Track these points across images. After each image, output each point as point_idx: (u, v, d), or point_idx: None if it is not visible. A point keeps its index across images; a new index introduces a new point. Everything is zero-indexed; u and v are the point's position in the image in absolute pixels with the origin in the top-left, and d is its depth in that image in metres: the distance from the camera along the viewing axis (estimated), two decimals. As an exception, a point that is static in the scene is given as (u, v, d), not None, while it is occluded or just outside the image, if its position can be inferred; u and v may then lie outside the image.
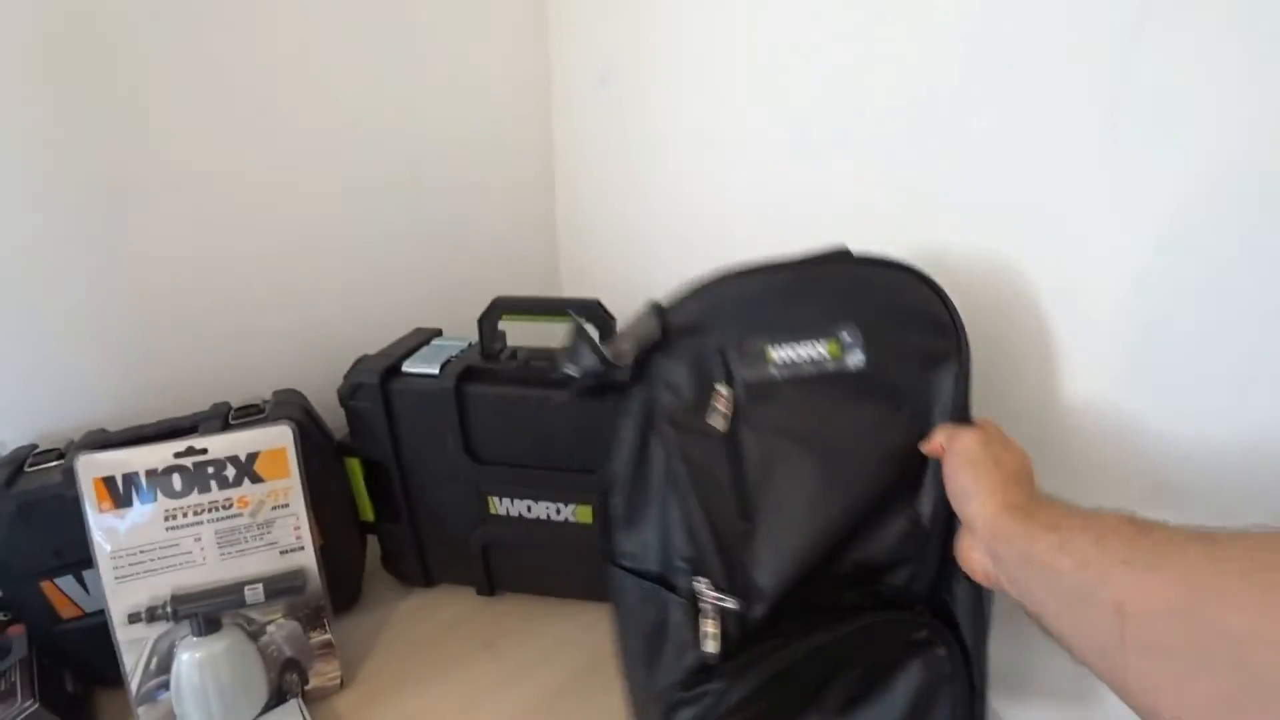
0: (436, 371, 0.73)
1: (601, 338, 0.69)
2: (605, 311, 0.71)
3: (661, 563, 0.54)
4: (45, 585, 0.68)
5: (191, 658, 0.64)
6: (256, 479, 0.66)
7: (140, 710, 0.67)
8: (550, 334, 0.97)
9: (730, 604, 0.49)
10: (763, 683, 0.48)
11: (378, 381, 0.73)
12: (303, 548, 0.69)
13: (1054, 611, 0.37)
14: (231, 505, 0.66)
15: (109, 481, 0.63)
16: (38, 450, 0.70)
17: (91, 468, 0.62)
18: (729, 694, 0.48)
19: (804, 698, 0.50)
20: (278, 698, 0.70)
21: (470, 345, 0.78)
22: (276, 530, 0.68)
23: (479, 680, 0.74)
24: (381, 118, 0.92)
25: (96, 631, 0.70)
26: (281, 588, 0.69)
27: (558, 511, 0.75)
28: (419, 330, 0.84)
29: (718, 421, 0.51)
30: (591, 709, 0.70)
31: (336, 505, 0.77)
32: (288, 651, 0.70)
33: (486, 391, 0.71)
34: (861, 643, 0.50)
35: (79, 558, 0.67)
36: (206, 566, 0.66)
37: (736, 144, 0.82)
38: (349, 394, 0.74)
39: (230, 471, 0.66)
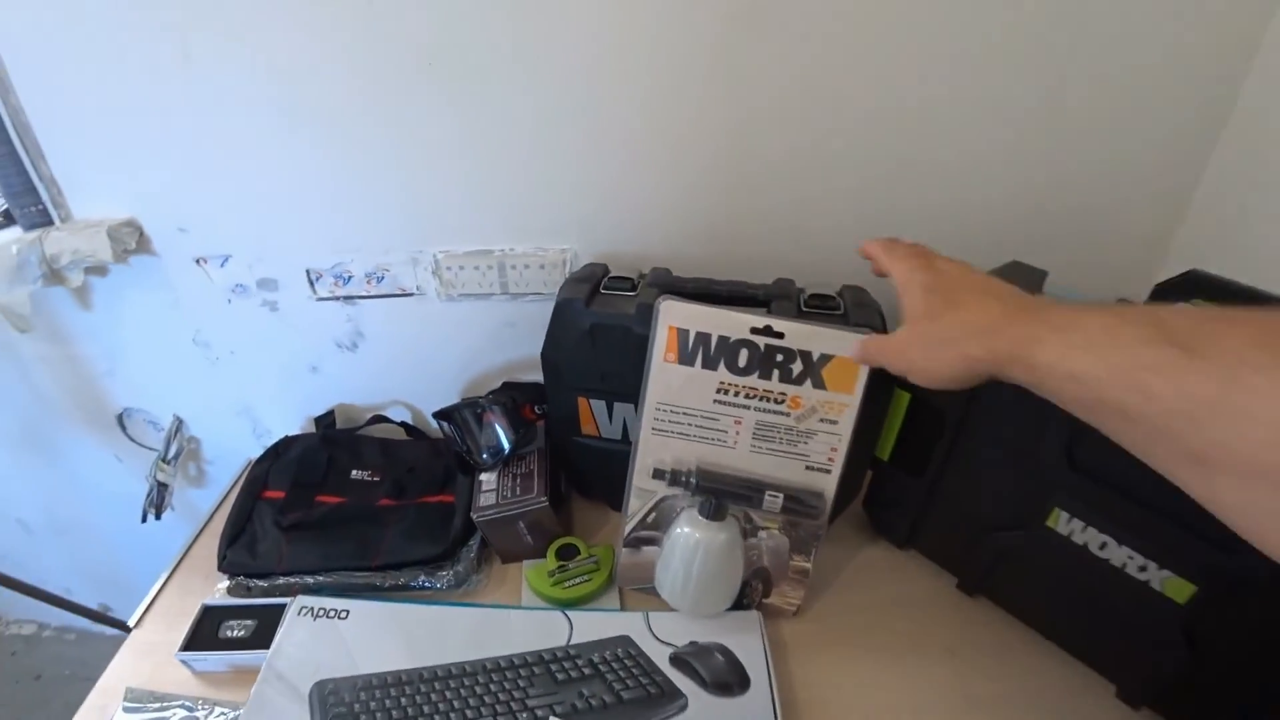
0: None
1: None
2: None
3: None
4: (581, 400, 0.70)
5: (692, 536, 0.62)
6: (819, 384, 0.58)
7: (624, 550, 0.68)
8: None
9: None
10: None
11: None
12: (829, 471, 0.61)
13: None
14: (783, 401, 0.59)
15: (681, 334, 0.59)
16: (612, 275, 0.70)
17: (670, 315, 0.59)
18: None
19: None
20: (737, 599, 0.67)
21: None
22: (813, 444, 0.60)
23: (928, 686, 0.64)
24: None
25: (601, 454, 0.72)
26: (798, 507, 0.63)
27: (1141, 568, 0.56)
28: (1021, 266, 0.66)
29: None
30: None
31: (867, 432, 0.68)
32: (765, 561, 0.66)
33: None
34: None
35: (619, 390, 0.68)
36: (735, 451, 0.62)
37: None
38: None
39: (797, 366, 0.58)
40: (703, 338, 0.59)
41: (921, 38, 0.67)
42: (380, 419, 0.89)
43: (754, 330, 0.58)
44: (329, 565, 0.73)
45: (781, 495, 0.62)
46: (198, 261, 0.81)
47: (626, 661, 0.62)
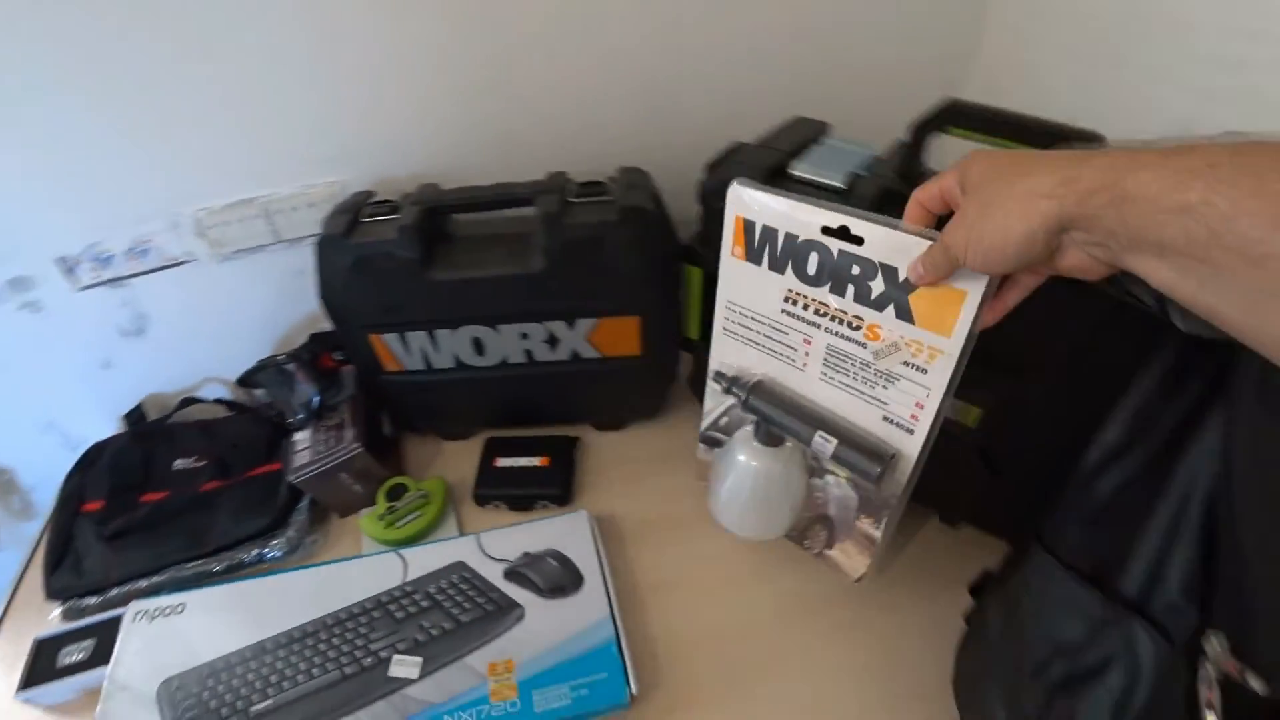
0: (842, 186, 0.54)
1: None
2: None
3: (1143, 587, 0.39)
4: (373, 338, 0.67)
5: (742, 461, 0.56)
6: (905, 314, 0.44)
7: (700, 447, 0.64)
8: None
9: (1256, 686, 0.34)
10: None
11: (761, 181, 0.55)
12: (912, 431, 0.49)
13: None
14: (859, 328, 0.47)
15: (749, 227, 0.49)
16: (374, 200, 0.65)
17: (739, 202, 0.49)
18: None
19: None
20: (798, 535, 0.62)
21: (876, 158, 0.57)
22: (895, 391, 0.48)
23: (763, 547, 0.66)
24: None
25: (413, 388, 0.70)
26: (852, 460, 0.51)
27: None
28: (801, 121, 0.63)
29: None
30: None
31: (664, 317, 0.67)
32: (831, 511, 0.58)
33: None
34: None
35: (405, 318, 0.65)
36: (803, 374, 0.52)
37: None
38: (718, 190, 0.58)
39: (877, 285, 0.45)
40: (770, 233, 0.48)
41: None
42: (191, 401, 0.83)
43: (826, 230, 0.45)
44: (161, 563, 0.69)
45: (835, 443, 0.51)
46: (-72, 274, 0.72)
47: (462, 586, 0.61)
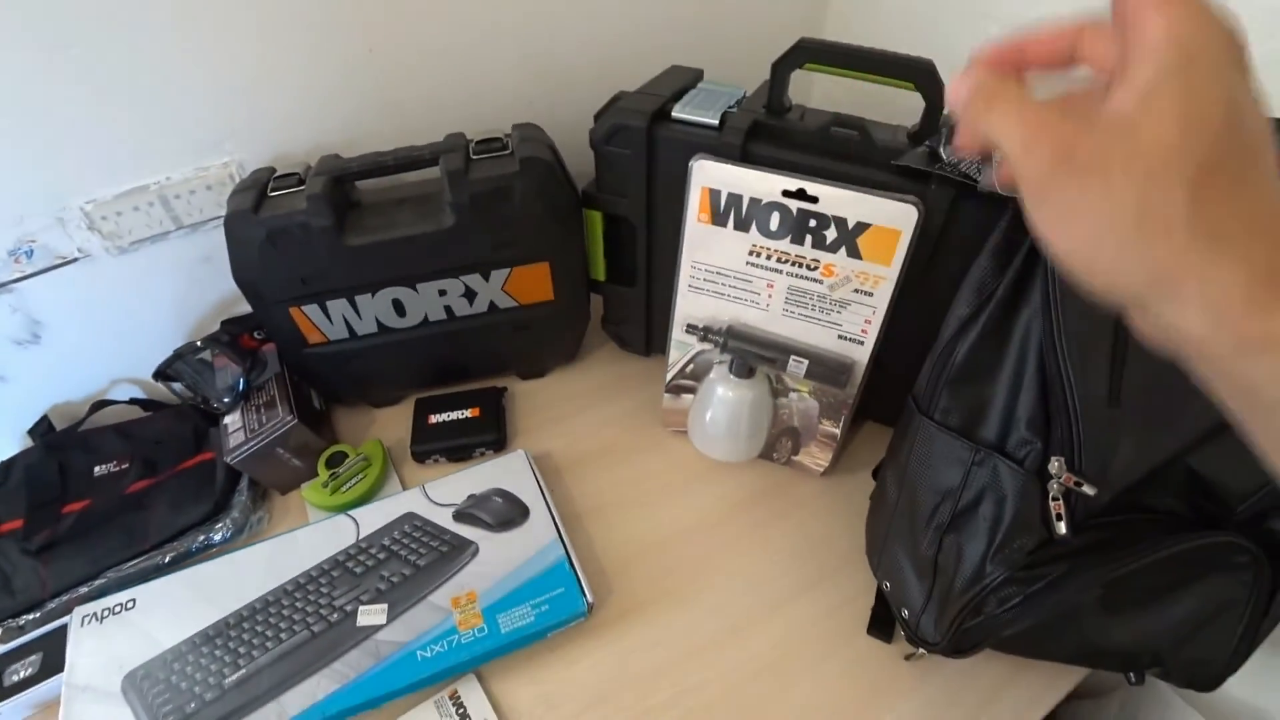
0: (716, 123, 0.59)
1: (930, 116, 0.54)
2: (937, 78, 0.54)
3: (1000, 430, 0.48)
4: (293, 311, 0.68)
5: (723, 394, 0.67)
6: (854, 253, 0.57)
7: (666, 396, 0.73)
8: (832, 97, 0.80)
9: (1088, 490, 0.44)
10: (1106, 582, 0.46)
11: (644, 125, 0.60)
12: (862, 343, 0.62)
13: None
14: (816, 268, 0.59)
15: (714, 195, 0.58)
16: (277, 174, 0.66)
17: (703, 175, 0.58)
18: (1068, 581, 0.47)
19: (1129, 599, 0.49)
20: (767, 450, 0.73)
21: (746, 96, 0.64)
22: (847, 314, 0.61)
23: (679, 465, 0.73)
24: None
25: (339, 358, 0.71)
26: (823, 374, 0.65)
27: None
28: (678, 69, 0.69)
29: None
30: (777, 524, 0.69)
31: (570, 260, 0.71)
32: (795, 422, 0.70)
33: (782, 158, 0.58)
34: (1196, 558, 0.46)
35: (324, 288, 0.66)
36: (767, 314, 0.63)
37: None
38: (605, 136, 0.63)
39: (831, 233, 0.56)
40: (734, 199, 0.57)
41: None
42: (102, 404, 0.81)
43: (786, 193, 0.55)
44: (101, 567, 0.69)
45: (807, 362, 0.64)
46: None
47: (414, 534, 0.64)
